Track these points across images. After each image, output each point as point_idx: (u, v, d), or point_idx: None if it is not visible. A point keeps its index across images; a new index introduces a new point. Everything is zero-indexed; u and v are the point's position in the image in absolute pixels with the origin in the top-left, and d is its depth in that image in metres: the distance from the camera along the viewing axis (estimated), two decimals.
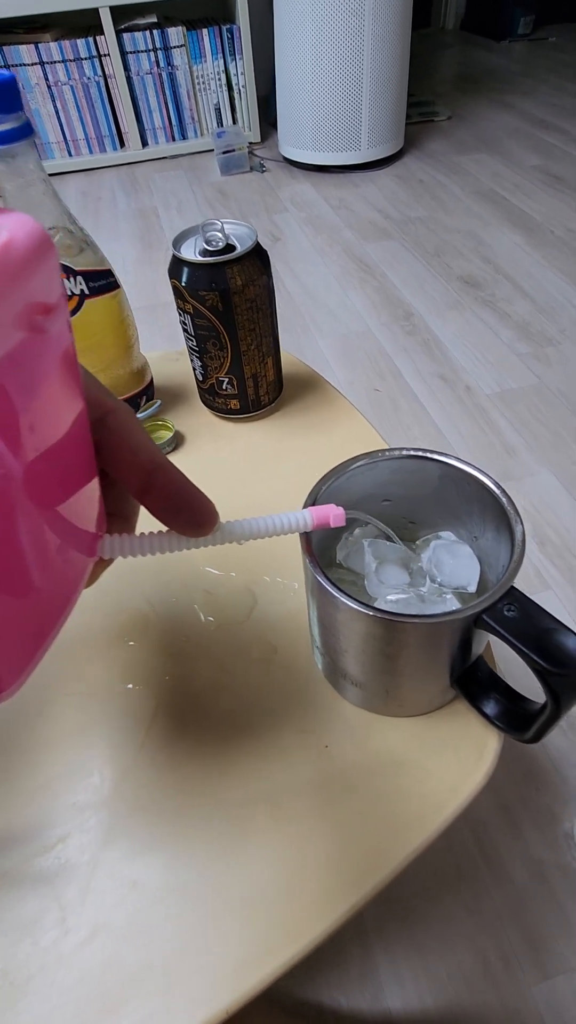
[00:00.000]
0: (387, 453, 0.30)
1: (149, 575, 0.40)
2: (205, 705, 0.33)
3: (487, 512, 0.29)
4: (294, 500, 0.40)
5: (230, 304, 0.41)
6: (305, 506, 0.28)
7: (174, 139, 2.20)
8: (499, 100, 2.48)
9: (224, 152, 2.00)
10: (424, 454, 0.29)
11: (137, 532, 0.21)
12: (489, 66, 2.88)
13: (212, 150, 2.10)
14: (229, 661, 0.35)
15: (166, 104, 2.12)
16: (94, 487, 0.18)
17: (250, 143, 2.19)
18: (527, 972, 0.56)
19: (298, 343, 1.31)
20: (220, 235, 0.41)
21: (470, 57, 3.05)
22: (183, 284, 0.41)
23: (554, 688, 0.22)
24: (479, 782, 0.30)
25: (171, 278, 0.42)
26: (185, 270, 0.40)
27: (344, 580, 0.32)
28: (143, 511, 0.20)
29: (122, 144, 2.17)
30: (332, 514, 0.22)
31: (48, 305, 0.13)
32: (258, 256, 0.41)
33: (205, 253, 0.41)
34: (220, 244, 0.41)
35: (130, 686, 0.34)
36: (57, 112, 2.04)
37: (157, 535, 0.20)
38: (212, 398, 0.48)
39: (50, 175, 1.84)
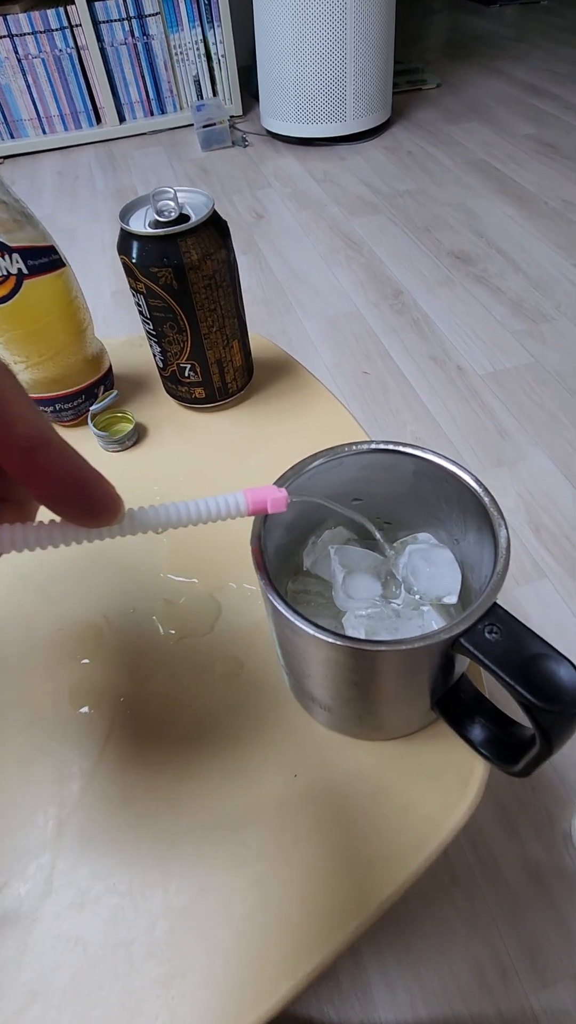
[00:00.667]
0: (353, 448, 0.26)
1: (102, 583, 0.36)
2: (163, 729, 0.30)
3: (468, 512, 0.25)
4: None
5: (186, 281, 0.37)
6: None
7: (152, 114, 2.11)
8: (490, 66, 2.39)
9: (204, 126, 1.93)
10: (396, 448, 0.26)
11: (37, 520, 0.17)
12: (479, 31, 2.78)
13: (192, 124, 2.02)
14: (191, 678, 0.32)
15: (143, 76, 2.03)
16: None
17: (231, 116, 2.11)
18: (525, 980, 0.53)
19: (282, 324, 1.27)
20: (173, 204, 0.37)
21: (459, 22, 2.94)
22: (133, 260, 0.37)
23: (543, 725, 0.19)
24: (464, 814, 0.26)
25: (120, 254, 0.38)
26: (134, 244, 0.36)
27: (310, 591, 0.28)
28: None
29: (98, 120, 2.09)
30: (271, 498, 0.19)
31: None
32: (215, 226, 0.37)
33: (156, 225, 0.36)
34: (173, 214, 0.37)
35: (84, 710, 0.31)
36: (29, 87, 1.95)
37: (46, 526, 0.16)
38: (175, 386, 0.44)
39: (24, 154, 1.77)
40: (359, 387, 1.12)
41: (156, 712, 0.31)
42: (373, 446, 0.26)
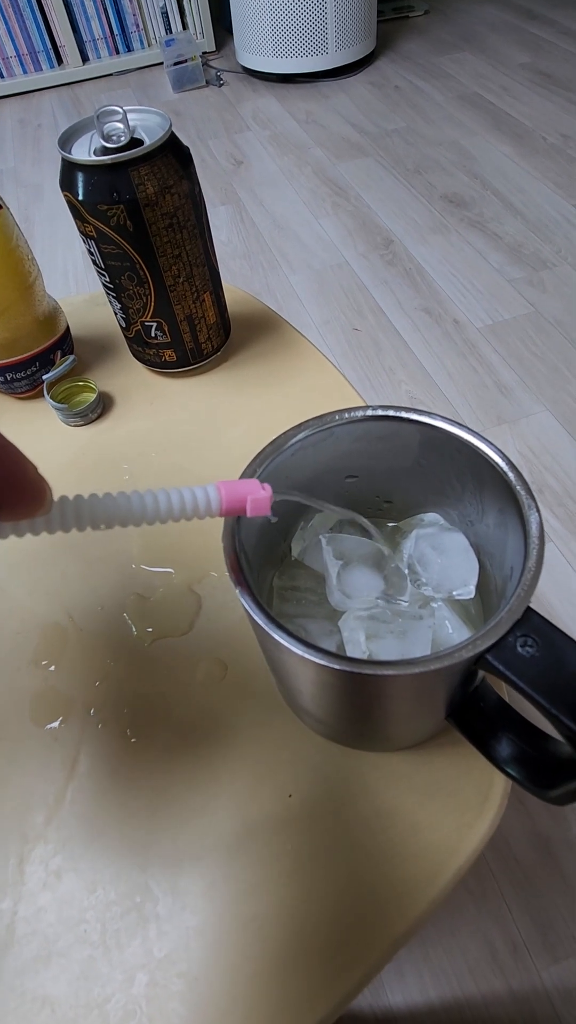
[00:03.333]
0: (346, 416, 0.21)
1: (65, 576, 0.32)
2: (139, 746, 0.26)
3: (485, 489, 0.21)
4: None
5: (142, 220, 0.31)
6: None
7: (118, 52, 1.95)
8: None
9: (175, 64, 1.78)
10: (397, 414, 0.21)
11: None
12: None
13: (162, 63, 1.87)
14: (169, 684, 0.28)
15: (105, 10, 1.86)
16: None
17: (204, 52, 1.95)
18: (536, 956, 0.52)
19: (266, 280, 1.19)
20: (122, 127, 0.31)
21: None
22: (79, 198, 0.31)
23: None
24: (483, 834, 0.23)
25: (63, 191, 0.32)
26: (79, 177, 0.30)
27: (300, 587, 0.24)
28: None
29: (60, 61, 1.93)
30: (251, 497, 0.14)
31: None
32: (174, 152, 0.31)
33: (104, 152, 0.31)
34: (123, 139, 0.31)
35: (50, 726, 0.27)
36: None
37: None
38: (142, 349, 0.39)
39: None
40: (350, 345, 1.06)
41: (131, 725, 0.27)
42: (369, 412, 0.21)
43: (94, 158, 0.30)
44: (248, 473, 0.20)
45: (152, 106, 1.73)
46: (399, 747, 0.24)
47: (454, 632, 0.22)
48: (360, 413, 0.21)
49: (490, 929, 0.53)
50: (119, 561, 0.32)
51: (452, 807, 0.24)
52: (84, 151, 0.31)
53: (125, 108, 0.31)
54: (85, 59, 1.94)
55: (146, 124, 0.32)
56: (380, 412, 0.21)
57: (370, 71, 1.83)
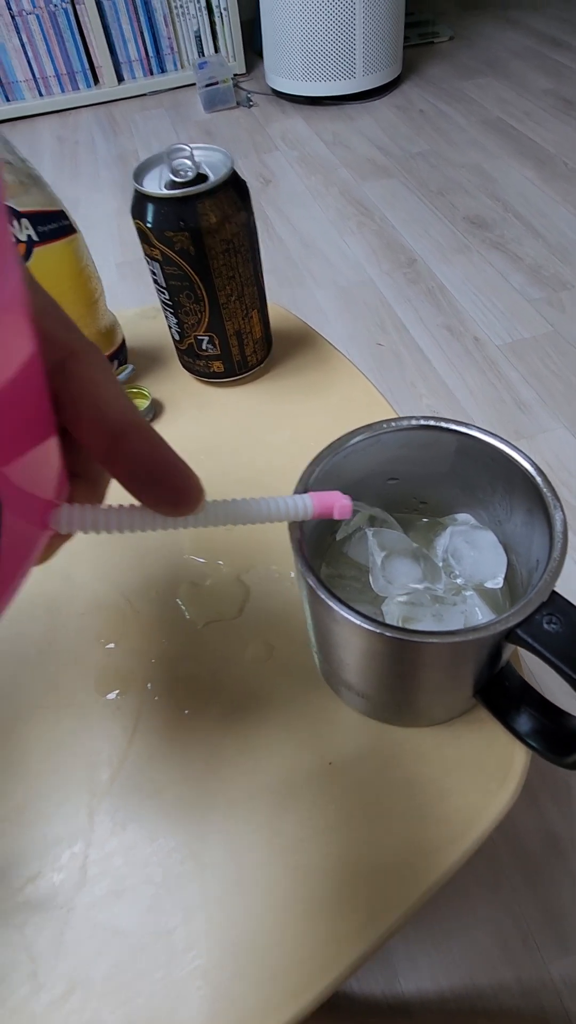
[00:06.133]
0: (393, 424, 0.25)
1: (126, 566, 0.35)
2: (192, 716, 0.29)
3: (515, 493, 0.24)
4: (289, 475, 0.34)
5: (203, 247, 0.35)
6: (297, 491, 0.23)
7: (152, 73, 2.03)
8: (505, 17, 2.27)
9: (207, 85, 1.85)
10: (439, 423, 0.24)
11: (107, 503, 0.16)
12: None
13: (194, 84, 1.94)
14: (219, 664, 0.31)
15: (141, 33, 1.94)
16: (50, 447, 0.14)
17: (235, 75, 2.02)
18: (545, 948, 0.54)
19: (293, 295, 1.23)
20: (190, 163, 0.34)
21: None
22: (148, 224, 0.35)
23: None
24: (506, 802, 0.26)
25: (134, 218, 0.35)
26: (149, 207, 0.34)
27: (345, 575, 0.27)
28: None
29: (96, 80, 2.01)
30: (337, 504, 0.18)
31: None
32: (235, 187, 0.35)
33: (172, 185, 0.34)
34: (190, 174, 0.34)
35: (111, 696, 0.30)
36: (24, 46, 1.87)
37: (126, 509, 0.16)
38: (192, 360, 0.43)
39: (21, 118, 1.71)
40: (373, 359, 1.09)
41: (184, 699, 0.30)
42: (414, 422, 0.24)
43: (165, 191, 0.34)
44: (308, 472, 0.23)
45: (184, 126, 1.80)
46: (431, 722, 0.27)
47: (484, 618, 0.25)
48: (405, 423, 0.24)
49: (501, 921, 0.55)
50: (172, 551, 0.36)
51: (477, 777, 0.26)
52: (155, 183, 0.35)
53: (191, 146, 0.35)
54: (121, 79, 2.01)
55: (210, 160, 0.36)
56: (423, 422, 0.24)
57: (395, 95, 1.88)
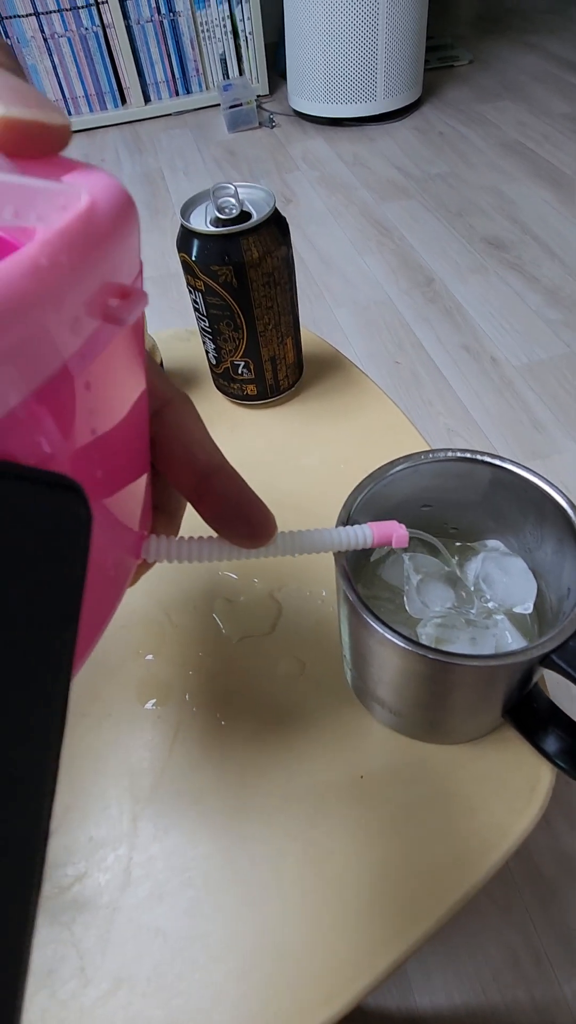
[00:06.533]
0: (431, 456, 0.26)
1: (164, 581, 0.37)
2: (228, 728, 0.31)
3: (547, 524, 0.25)
4: (319, 496, 0.36)
5: (245, 279, 0.37)
6: (341, 516, 0.24)
7: (178, 94, 2.08)
8: (523, 41, 2.31)
9: (231, 107, 1.89)
10: (475, 456, 0.26)
11: (182, 533, 0.18)
12: (513, 4, 2.68)
13: (218, 105, 1.99)
14: (253, 678, 0.32)
15: (168, 55, 2.00)
16: (144, 483, 0.16)
17: (258, 96, 2.07)
18: (558, 967, 0.54)
19: (312, 313, 1.25)
20: (234, 201, 0.36)
21: None
22: (193, 258, 0.37)
23: None
24: (532, 819, 0.27)
25: (180, 252, 0.37)
26: (195, 242, 0.36)
27: (380, 596, 0.29)
28: (189, 509, 0.18)
29: (123, 101, 2.07)
30: (395, 534, 0.19)
31: (126, 288, 0.11)
32: (276, 224, 0.37)
33: (217, 222, 0.36)
34: (234, 211, 0.36)
35: (149, 705, 0.32)
36: (55, 67, 1.93)
37: (207, 541, 0.17)
38: (227, 383, 0.44)
39: None
40: (391, 377, 1.11)
41: (221, 710, 0.31)
42: (451, 454, 0.26)
43: (212, 228, 0.36)
44: (352, 498, 0.25)
45: (208, 146, 1.84)
46: (460, 740, 0.28)
47: (513, 641, 0.26)
48: (443, 455, 0.26)
49: (514, 939, 0.55)
50: (208, 567, 0.37)
51: (503, 794, 0.27)
52: (201, 220, 0.37)
53: (236, 184, 0.37)
54: (147, 100, 2.07)
55: (252, 198, 0.38)
56: (460, 455, 0.26)
57: (415, 117, 1.92)
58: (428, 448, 0.39)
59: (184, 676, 0.33)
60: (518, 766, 0.28)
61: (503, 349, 1.14)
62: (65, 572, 0.10)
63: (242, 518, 0.17)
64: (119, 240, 0.11)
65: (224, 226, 0.35)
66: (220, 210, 0.37)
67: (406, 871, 0.26)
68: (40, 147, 0.11)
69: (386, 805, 0.28)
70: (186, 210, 0.37)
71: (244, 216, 0.36)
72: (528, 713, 0.26)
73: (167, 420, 0.16)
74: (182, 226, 0.37)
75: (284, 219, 0.38)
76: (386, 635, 0.21)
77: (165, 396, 0.16)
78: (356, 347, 1.17)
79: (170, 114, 2.08)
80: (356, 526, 0.19)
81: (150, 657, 0.34)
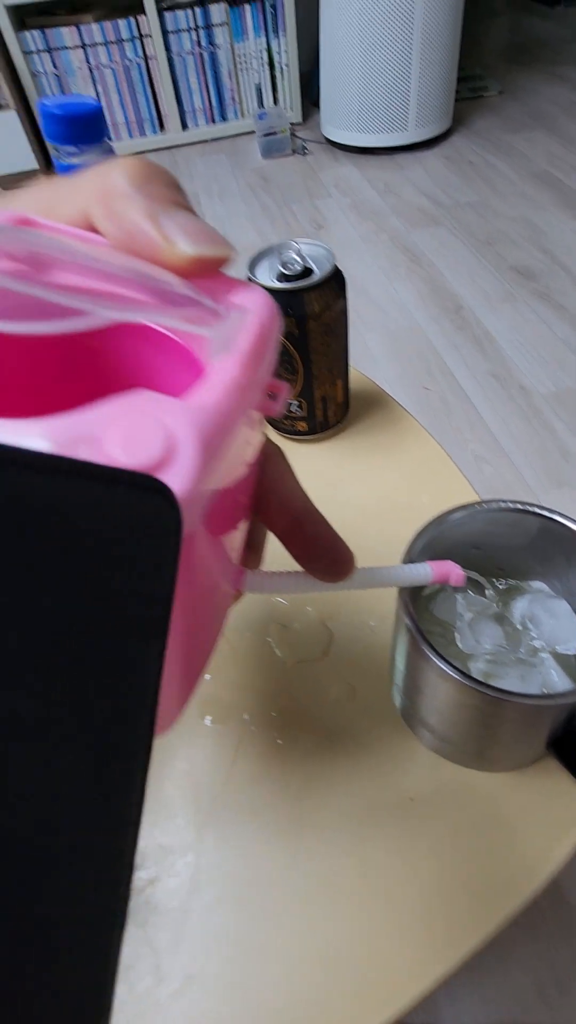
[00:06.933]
0: (486, 506, 0.29)
1: None
2: (285, 747, 0.33)
3: None
4: (360, 528, 0.39)
5: (306, 330, 0.40)
6: (405, 557, 0.27)
7: (214, 121, 2.16)
8: (553, 72, 2.36)
9: (266, 135, 1.96)
10: (526, 508, 0.28)
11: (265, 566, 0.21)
12: (542, 35, 2.73)
13: (253, 131, 2.06)
14: (308, 701, 0.35)
15: (207, 85, 2.07)
16: (247, 524, 0.19)
17: (291, 124, 2.13)
18: None
19: None
20: (297, 258, 0.40)
21: (521, 25, 2.89)
22: None
23: None
24: (572, 848, 0.29)
25: None
26: None
27: (432, 632, 0.31)
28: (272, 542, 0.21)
29: (162, 127, 2.14)
30: (453, 573, 0.22)
31: (276, 383, 0.13)
32: (336, 280, 0.40)
33: (281, 277, 0.39)
34: (298, 268, 0.39)
35: (206, 721, 0.34)
36: (98, 96, 2.02)
37: (294, 575, 0.20)
38: (280, 420, 0.47)
39: None
40: (420, 403, 1.14)
41: (278, 730, 0.34)
42: (504, 505, 0.28)
43: (277, 284, 0.39)
44: (415, 540, 0.27)
45: (242, 171, 1.90)
46: (505, 769, 0.30)
47: (559, 679, 0.28)
48: (496, 505, 0.28)
49: (538, 964, 0.56)
50: (262, 595, 0.40)
51: (544, 823, 0.29)
52: (266, 274, 0.40)
53: (299, 241, 0.40)
54: (185, 127, 2.14)
55: (314, 254, 0.41)
56: (512, 505, 0.28)
57: (445, 146, 1.96)
58: (465, 483, 0.42)
59: (242, 696, 0.35)
60: (559, 795, 0.30)
61: (531, 377, 1.16)
62: (156, 577, 0.09)
63: (329, 557, 0.19)
64: (276, 347, 0.14)
65: (288, 282, 0.39)
66: (284, 266, 0.40)
67: (454, 890, 0.28)
68: (212, 272, 0.14)
69: (434, 827, 0.30)
70: (253, 265, 0.41)
71: (306, 272, 0.40)
72: (571, 746, 0.28)
73: (268, 470, 0.18)
74: (248, 279, 0.40)
75: (342, 274, 0.41)
76: (445, 669, 0.24)
77: (267, 450, 0.19)
78: (385, 372, 1.20)
79: (206, 140, 2.16)
80: (419, 564, 0.22)
81: (207, 677, 0.36)
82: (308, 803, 0.31)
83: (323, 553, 0.19)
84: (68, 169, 0.33)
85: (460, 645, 0.29)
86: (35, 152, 2.00)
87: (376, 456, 0.48)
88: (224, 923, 0.28)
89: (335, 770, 0.32)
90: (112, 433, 0.10)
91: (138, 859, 0.30)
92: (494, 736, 0.27)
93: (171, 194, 0.15)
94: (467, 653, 0.29)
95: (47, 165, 2.08)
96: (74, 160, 0.33)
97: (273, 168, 1.96)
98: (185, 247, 0.13)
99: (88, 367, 0.17)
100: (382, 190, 1.78)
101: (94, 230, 0.15)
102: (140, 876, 0.29)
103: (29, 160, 1.99)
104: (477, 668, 0.28)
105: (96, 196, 0.14)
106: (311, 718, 0.34)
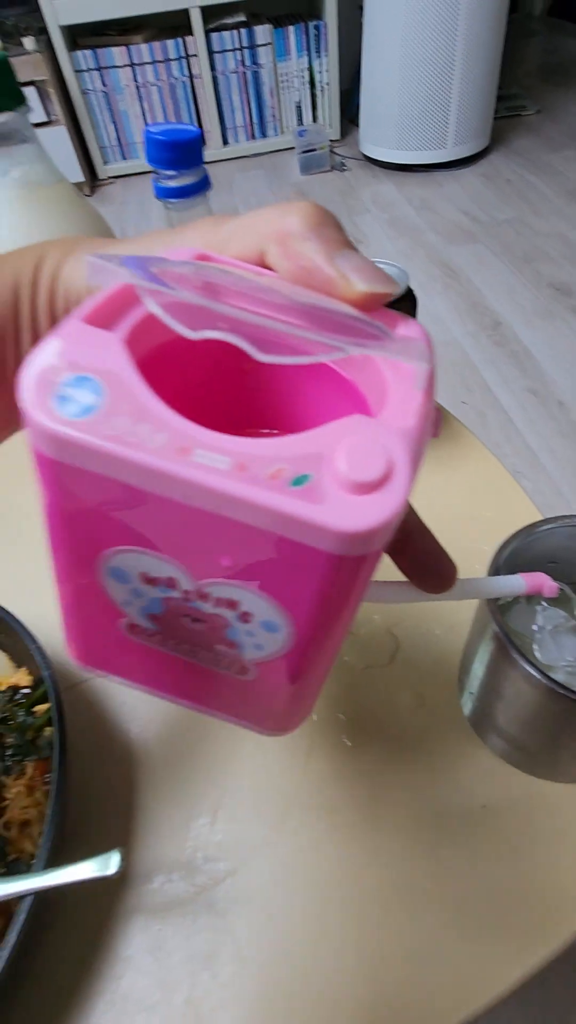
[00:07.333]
0: (567, 521, 0.29)
1: None
2: (355, 750, 0.34)
3: None
4: None
5: None
6: (491, 569, 0.28)
7: (254, 137, 2.21)
8: None
9: (305, 151, 2.00)
10: None
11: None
12: None
13: (291, 148, 2.10)
14: (377, 707, 0.36)
15: (248, 102, 2.12)
16: None
17: (330, 140, 2.17)
18: None
19: None
20: None
21: (559, 45, 2.91)
22: None
23: None
24: None
25: None
26: None
27: None
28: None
29: (203, 143, 2.19)
30: (546, 585, 0.22)
31: (436, 411, 0.15)
32: (409, 300, 0.41)
33: None
34: None
35: None
36: (144, 112, 2.08)
37: (399, 585, 0.21)
38: None
39: (135, 175, 1.88)
40: (458, 417, 1.14)
41: (346, 732, 0.35)
42: None
43: None
44: (500, 552, 0.28)
45: (281, 187, 1.93)
46: (568, 780, 0.31)
47: None
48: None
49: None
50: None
51: None
52: None
53: (376, 261, 0.42)
54: (225, 142, 2.20)
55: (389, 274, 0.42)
56: None
57: (482, 164, 1.98)
58: (525, 498, 0.42)
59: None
60: None
61: (570, 393, 1.16)
62: None
63: (435, 570, 0.20)
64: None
65: None
66: None
67: (527, 898, 0.28)
68: (379, 306, 0.16)
69: (507, 836, 0.30)
70: None
71: None
72: None
73: None
74: None
75: (414, 293, 0.42)
76: (536, 675, 0.24)
77: None
78: None
79: (246, 156, 2.20)
80: (512, 576, 0.22)
81: None
82: (382, 805, 0.32)
83: (431, 566, 0.20)
84: (164, 191, 0.35)
85: (539, 655, 0.30)
86: (81, 166, 2.06)
87: (436, 469, 0.49)
88: (301, 920, 0.29)
89: (406, 774, 0.33)
90: (339, 452, 0.11)
91: (218, 851, 0.31)
92: (572, 745, 0.28)
93: (341, 236, 0.16)
94: (546, 663, 0.30)
95: (92, 177, 2.14)
96: (170, 183, 0.35)
97: (311, 184, 1.99)
98: (360, 284, 0.15)
99: (233, 379, 0.18)
100: (419, 206, 1.80)
101: (264, 266, 0.16)
102: (219, 868, 0.30)
103: (76, 173, 2.05)
104: (557, 679, 0.29)
105: (273, 236, 0.16)
106: (379, 722, 0.35)
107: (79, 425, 0.11)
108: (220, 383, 0.18)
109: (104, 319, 0.13)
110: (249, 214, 0.17)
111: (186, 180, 0.35)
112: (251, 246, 0.16)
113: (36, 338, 0.19)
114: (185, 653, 0.16)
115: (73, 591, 0.15)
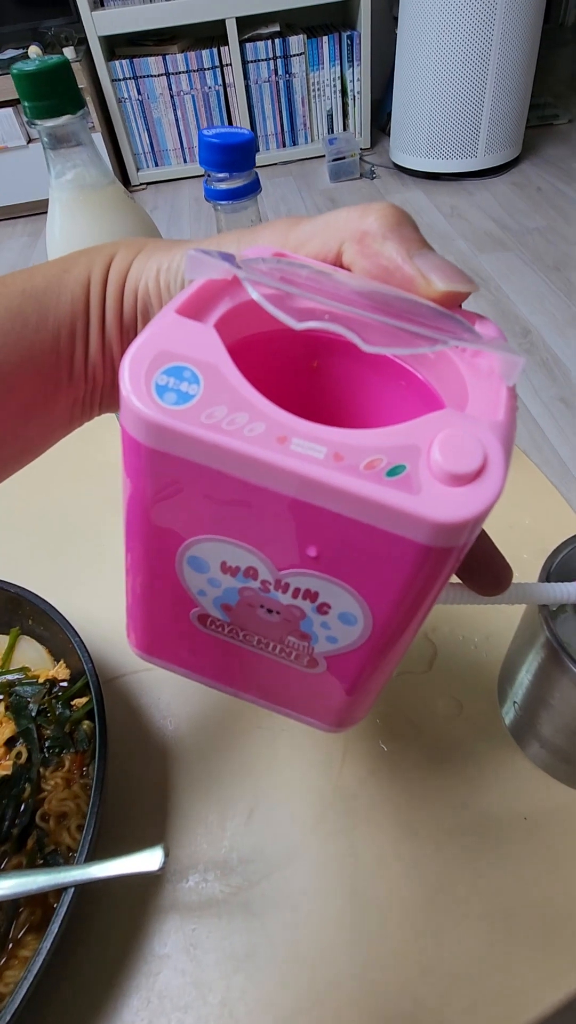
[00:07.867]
0: None
1: None
2: (392, 754, 0.34)
3: None
4: None
5: None
6: (543, 576, 0.27)
7: (285, 145, 2.22)
8: None
9: (335, 159, 2.01)
10: None
11: None
12: None
13: (322, 156, 2.11)
14: (414, 713, 0.35)
15: (280, 111, 2.14)
16: None
17: (360, 149, 2.18)
18: None
19: None
20: None
21: None
22: None
23: None
24: None
25: None
26: None
27: None
28: None
29: (256, 147, 2.22)
30: None
31: None
32: None
33: None
34: None
35: None
36: (177, 121, 2.11)
37: (455, 587, 0.21)
38: None
39: (166, 181, 1.91)
40: None
41: (382, 736, 0.34)
42: None
43: None
44: (550, 560, 0.28)
45: (310, 194, 1.94)
46: None
47: None
48: None
49: None
50: None
51: None
52: None
53: None
54: (256, 150, 2.21)
55: None
56: None
57: (513, 173, 1.97)
58: (564, 505, 0.42)
59: None
60: None
61: None
62: None
63: (491, 572, 0.20)
64: None
65: None
66: None
67: (571, 915, 0.28)
68: (457, 304, 0.16)
69: (549, 848, 0.30)
70: None
71: None
72: None
73: None
74: None
75: None
76: None
77: None
78: None
79: (276, 163, 2.22)
80: (568, 583, 0.22)
81: None
82: (419, 812, 0.31)
83: (487, 570, 0.20)
84: (215, 193, 0.36)
85: None
86: (116, 172, 2.10)
87: None
88: (341, 927, 0.28)
89: (444, 781, 0.32)
90: (435, 444, 0.11)
91: (253, 853, 0.31)
92: None
93: (418, 236, 0.16)
94: None
95: (125, 183, 2.18)
96: (222, 185, 0.35)
97: (341, 191, 2.00)
98: (439, 283, 0.15)
99: (303, 377, 0.18)
100: (448, 214, 1.79)
101: (340, 266, 0.16)
102: (256, 869, 0.30)
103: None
104: None
105: (353, 236, 0.16)
106: (417, 729, 0.34)
107: (179, 414, 0.11)
108: (290, 380, 0.18)
109: (196, 312, 0.13)
110: (326, 215, 0.17)
111: (237, 183, 0.35)
112: (328, 246, 0.17)
113: (104, 336, 0.19)
114: (253, 645, 0.16)
115: (146, 580, 0.15)
